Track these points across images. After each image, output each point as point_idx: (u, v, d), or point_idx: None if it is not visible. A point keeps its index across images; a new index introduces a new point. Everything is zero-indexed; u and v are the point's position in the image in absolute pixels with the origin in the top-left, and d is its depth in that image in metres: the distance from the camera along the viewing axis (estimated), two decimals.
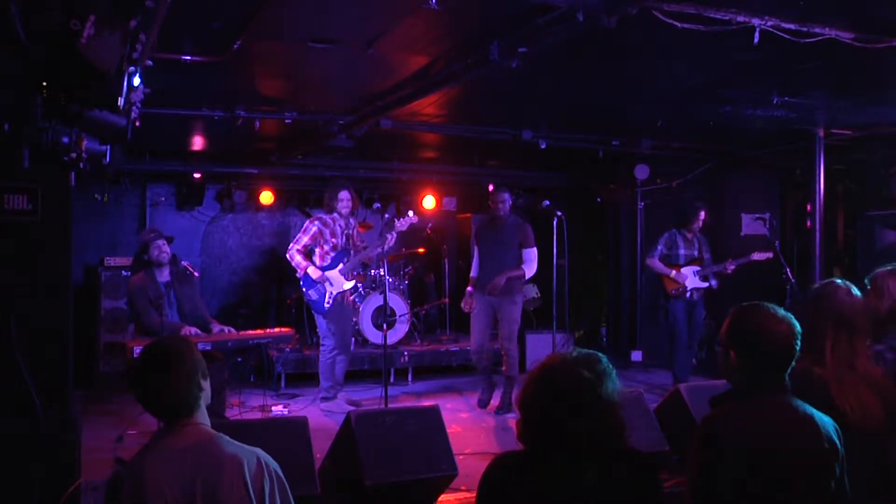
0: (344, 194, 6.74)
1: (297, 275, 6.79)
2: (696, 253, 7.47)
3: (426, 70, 5.22)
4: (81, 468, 3.84)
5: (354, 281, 6.92)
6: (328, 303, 6.68)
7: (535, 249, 6.69)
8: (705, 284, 7.41)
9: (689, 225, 7.44)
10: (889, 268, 3.27)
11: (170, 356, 2.31)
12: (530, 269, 6.67)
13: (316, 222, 6.77)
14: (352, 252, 6.82)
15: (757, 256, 7.30)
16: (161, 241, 5.62)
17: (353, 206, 6.89)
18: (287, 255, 6.79)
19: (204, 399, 2.33)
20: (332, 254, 6.74)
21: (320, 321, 6.76)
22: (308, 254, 6.76)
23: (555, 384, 2.00)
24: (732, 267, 7.32)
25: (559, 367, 2.03)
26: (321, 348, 6.80)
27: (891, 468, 2.64)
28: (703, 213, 7.45)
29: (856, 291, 2.99)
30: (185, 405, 2.28)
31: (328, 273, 6.67)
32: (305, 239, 6.72)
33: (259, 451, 2.29)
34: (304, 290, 6.77)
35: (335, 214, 6.79)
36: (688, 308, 7.38)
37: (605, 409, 1.98)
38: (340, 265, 6.72)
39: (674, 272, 7.36)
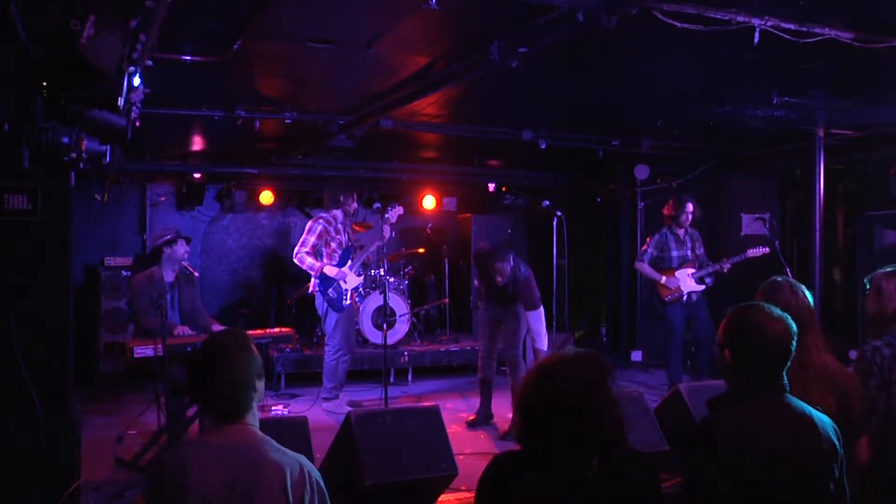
0: (355, 197, 6.92)
1: (313, 276, 6.74)
2: (689, 253, 7.27)
3: (426, 70, 5.22)
4: (81, 468, 3.84)
5: (362, 276, 6.93)
6: (347, 300, 6.69)
7: (539, 311, 6.16)
8: (702, 287, 7.21)
9: (678, 219, 7.24)
10: (888, 269, 3.26)
11: (226, 355, 2.28)
12: (540, 341, 6.17)
13: (320, 221, 6.78)
14: (354, 247, 6.85)
15: (752, 253, 7.12)
16: (183, 241, 5.66)
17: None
18: (296, 259, 6.74)
19: (257, 400, 2.31)
20: (339, 251, 6.76)
21: (331, 319, 6.73)
22: (315, 254, 6.76)
23: (553, 384, 2.00)
24: (728, 265, 7.14)
25: (558, 366, 2.04)
26: (327, 348, 6.80)
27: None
28: (690, 206, 7.25)
29: (799, 289, 3.01)
30: (236, 407, 2.25)
31: (342, 270, 6.70)
32: (312, 239, 6.71)
33: (303, 459, 2.26)
34: (320, 290, 6.71)
35: (335, 212, 6.81)
36: (687, 311, 7.19)
37: (604, 409, 1.98)
38: (349, 262, 6.74)
39: (664, 278, 7.15)
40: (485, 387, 6.43)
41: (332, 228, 6.77)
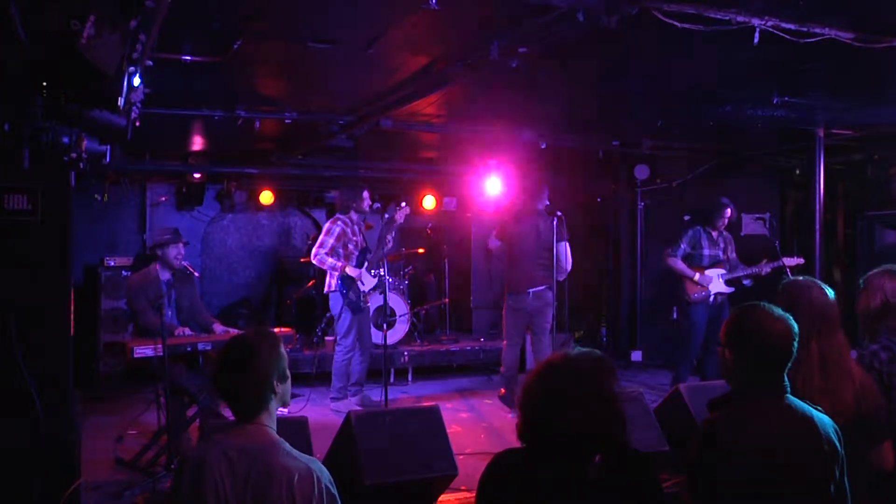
0: (366, 194, 6.88)
1: (334, 275, 6.71)
2: (721, 254, 7.11)
3: (426, 70, 5.22)
4: (81, 468, 3.84)
5: (378, 278, 6.92)
6: (364, 302, 6.72)
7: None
8: (730, 290, 7.01)
9: (715, 223, 7.08)
10: (881, 269, 3.33)
11: (246, 356, 2.29)
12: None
13: (339, 223, 6.75)
14: (369, 249, 6.86)
15: (789, 262, 6.94)
16: (181, 245, 5.60)
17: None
18: (314, 260, 6.72)
19: (278, 400, 2.32)
20: (356, 252, 6.76)
21: (345, 320, 6.71)
22: (333, 256, 6.74)
23: (556, 383, 2.00)
24: (768, 269, 6.94)
25: (560, 366, 2.04)
26: (338, 347, 6.79)
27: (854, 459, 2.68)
28: (728, 211, 7.08)
29: (825, 289, 3.04)
30: (252, 407, 2.28)
31: (361, 271, 6.72)
32: (331, 241, 6.69)
33: (315, 463, 2.28)
34: (341, 291, 6.68)
35: (352, 214, 6.82)
36: (710, 312, 6.99)
37: (606, 408, 1.98)
38: (366, 263, 6.76)
39: (697, 275, 6.98)
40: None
41: (349, 230, 6.76)
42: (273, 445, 2.26)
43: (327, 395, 6.94)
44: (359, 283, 6.68)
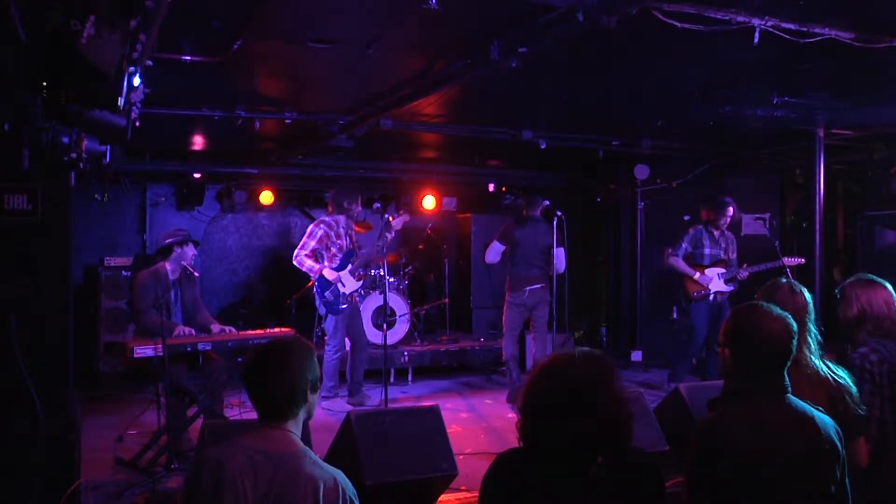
0: (359, 200, 7.00)
1: (312, 278, 6.84)
2: (722, 253, 7.13)
3: (426, 70, 5.22)
4: (81, 468, 3.84)
5: (362, 280, 6.97)
6: (344, 304, 6.73)
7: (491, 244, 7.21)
8: (730, 288, 7.07)
9: (716, 222, 7.11)
10: (853, 278, 3.44)
11: (282, 357, 2.27)
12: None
13: (322, 225, 6.82)
14: (356, 251, 6.87)
15: (789, 261, 7.00)
16: (192, 244, 5.66)
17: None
18: (295, 262, 6.83)
19: (305, 410, 2.29)
20: (339, 255, 6.80)
21: (330, 321, 6.82)
22: (316, 258, 6.80)
23: (559, 383, 2.00)
24: (745, 274, 7.03)
25: (563, 366, 2.03)
26: (327, 348, 6.86)
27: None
28: (731, 210, 7.11)
29: (800, 290, 3.08)
30: (281, 411, 2.24)
31: (340, 274, 6.74)
32: (313, 243, 6.76)
33: (339, 473, 2.24)
34: (318, 292, 6.80)
35: (338, 217, 6.85)
36: (711, 311, 7.04)
37: (611, 410, 1.97)
38: (349, 266, 6.77)
39: (697, 274, 7.00)
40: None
41: (333, 233, 6.81)
42: (299, 453, 2.22)
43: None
44: (339, 284, 6.72)
